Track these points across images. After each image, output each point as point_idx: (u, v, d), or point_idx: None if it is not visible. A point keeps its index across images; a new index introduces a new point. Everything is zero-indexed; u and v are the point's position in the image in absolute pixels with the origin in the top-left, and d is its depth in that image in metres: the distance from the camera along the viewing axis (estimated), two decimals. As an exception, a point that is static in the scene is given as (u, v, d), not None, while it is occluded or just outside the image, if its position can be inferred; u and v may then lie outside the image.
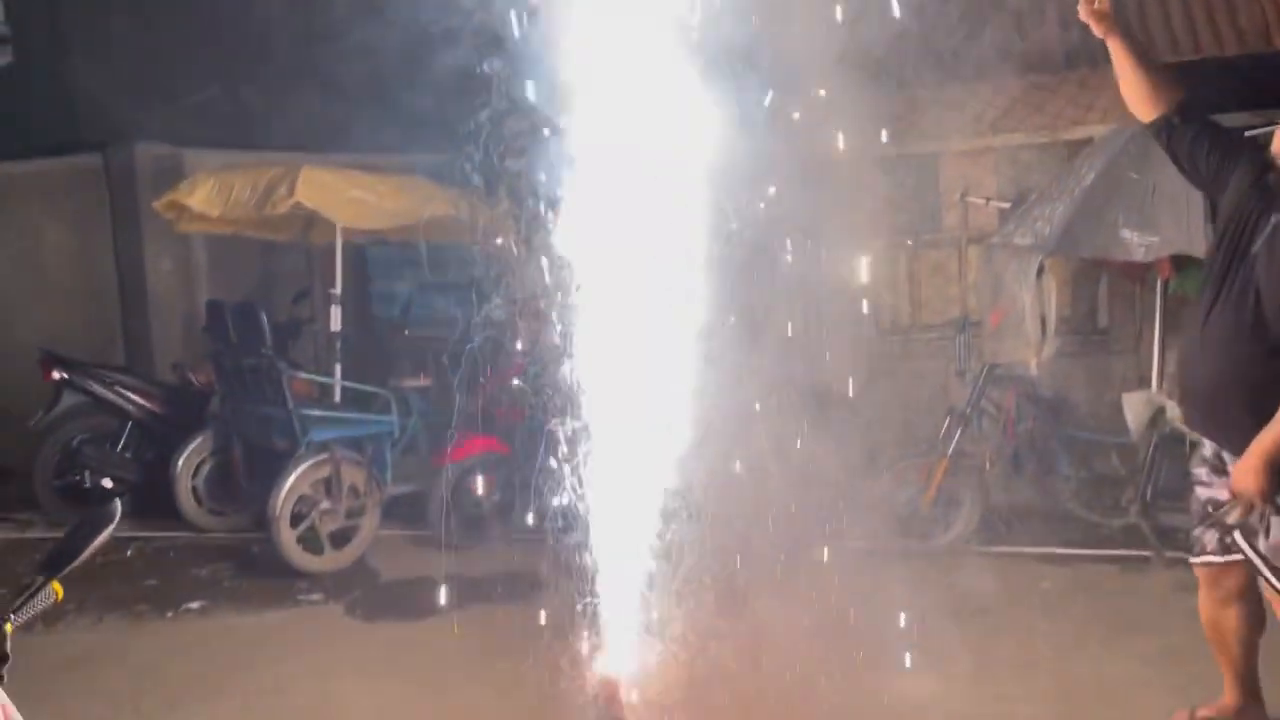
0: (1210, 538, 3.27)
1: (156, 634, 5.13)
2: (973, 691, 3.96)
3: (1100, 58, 6.32)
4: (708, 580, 4.31)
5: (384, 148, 8.05)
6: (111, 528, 1.97)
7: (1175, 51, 6.21)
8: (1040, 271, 5.37)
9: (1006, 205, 6.11)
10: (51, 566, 1.87)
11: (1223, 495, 3.14)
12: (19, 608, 1.81)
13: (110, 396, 6.90)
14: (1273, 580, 3.03)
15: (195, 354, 7.73)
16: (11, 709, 1.65)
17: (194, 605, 5.47)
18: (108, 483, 6.91)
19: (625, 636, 3.64)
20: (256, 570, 5.93)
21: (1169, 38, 6.26)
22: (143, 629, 5.17)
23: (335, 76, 8.65)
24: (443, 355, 7.46)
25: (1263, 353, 2.93)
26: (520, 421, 6.21)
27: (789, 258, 4.56)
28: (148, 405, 7.01)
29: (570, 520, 4.53)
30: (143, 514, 6.92)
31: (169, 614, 5.36)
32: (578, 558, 4.33)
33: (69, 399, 6.89)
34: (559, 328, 5.24)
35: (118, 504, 2.03)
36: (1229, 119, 5.48)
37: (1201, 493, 3.33)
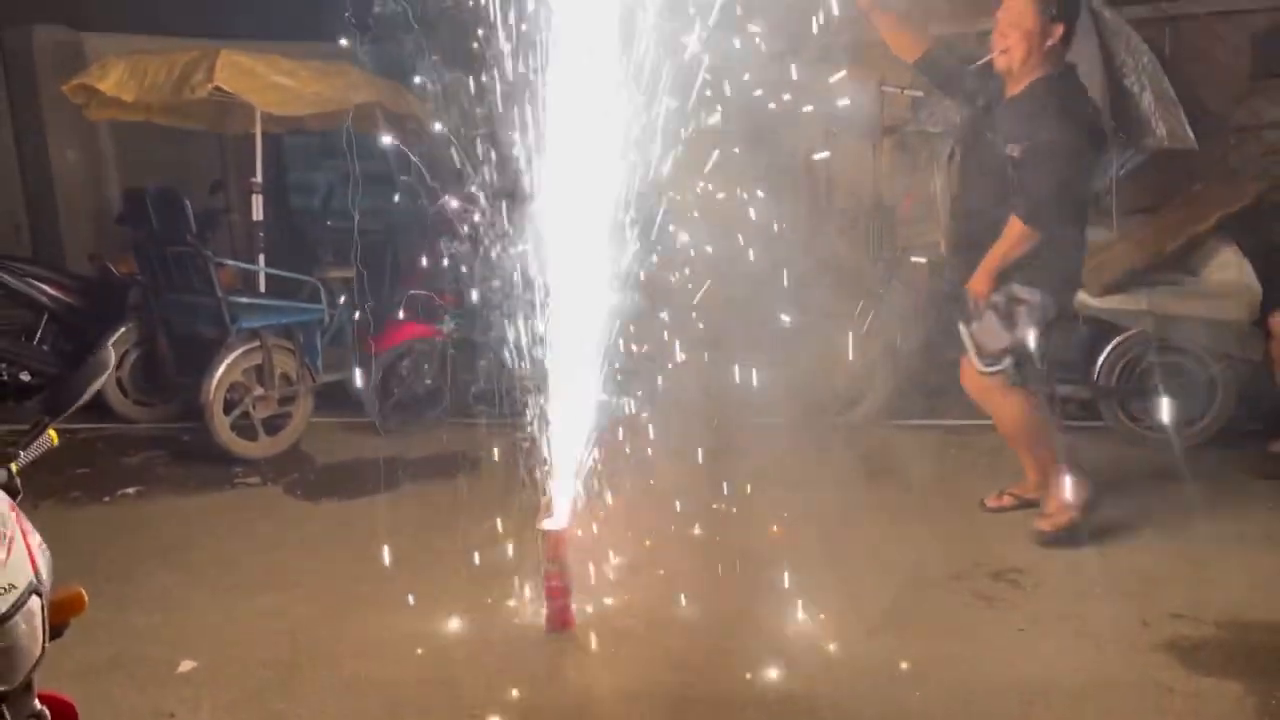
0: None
1: (95, 518, 5.18)
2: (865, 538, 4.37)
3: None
4: (636, 444, 4.61)
5: (298, 34, 7.86)
6: (107, 374, 2.07)
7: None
8: (951, 156, 5.61)
9: (920, 94, 6.31)
10: (49, 411, 1.97)
11: None
12: (22, 449, 1.93)
13: (23, 288, 6.74)
14: (973, 354, 4.35)
15: (109, 244, 7.57)
16: (34, 535, 1.77)
17: (130, 491, 5.53)
18: (25, 376, 6.82)
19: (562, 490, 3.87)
20: (190, 457, 5.98)
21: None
22: (80, 514, 5.21)
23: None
24: (368, 245, 7.49)
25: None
26: (451, 306, 6.32)
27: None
28: (63, 297, 6.87)
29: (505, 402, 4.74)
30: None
31: (105, 499, 5.41)
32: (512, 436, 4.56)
33: (-20, 292, 6.74)
34: (488, 217, 5.37)
35: (110, 351, 2.13)
36: (1128, 11, 5.77)
37: None
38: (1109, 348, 5.38)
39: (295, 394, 6.06)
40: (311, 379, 6.12)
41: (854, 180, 6.87)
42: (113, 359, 2.12)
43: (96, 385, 2.02)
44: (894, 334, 5.86)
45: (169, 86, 6.00)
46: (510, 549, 4.21)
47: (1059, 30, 4.08)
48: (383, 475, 5.45)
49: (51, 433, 2.00)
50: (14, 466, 1.91)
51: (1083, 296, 5.35)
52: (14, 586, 1.64)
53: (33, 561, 1.71)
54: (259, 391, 5.90)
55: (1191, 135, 5.29)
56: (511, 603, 3.96)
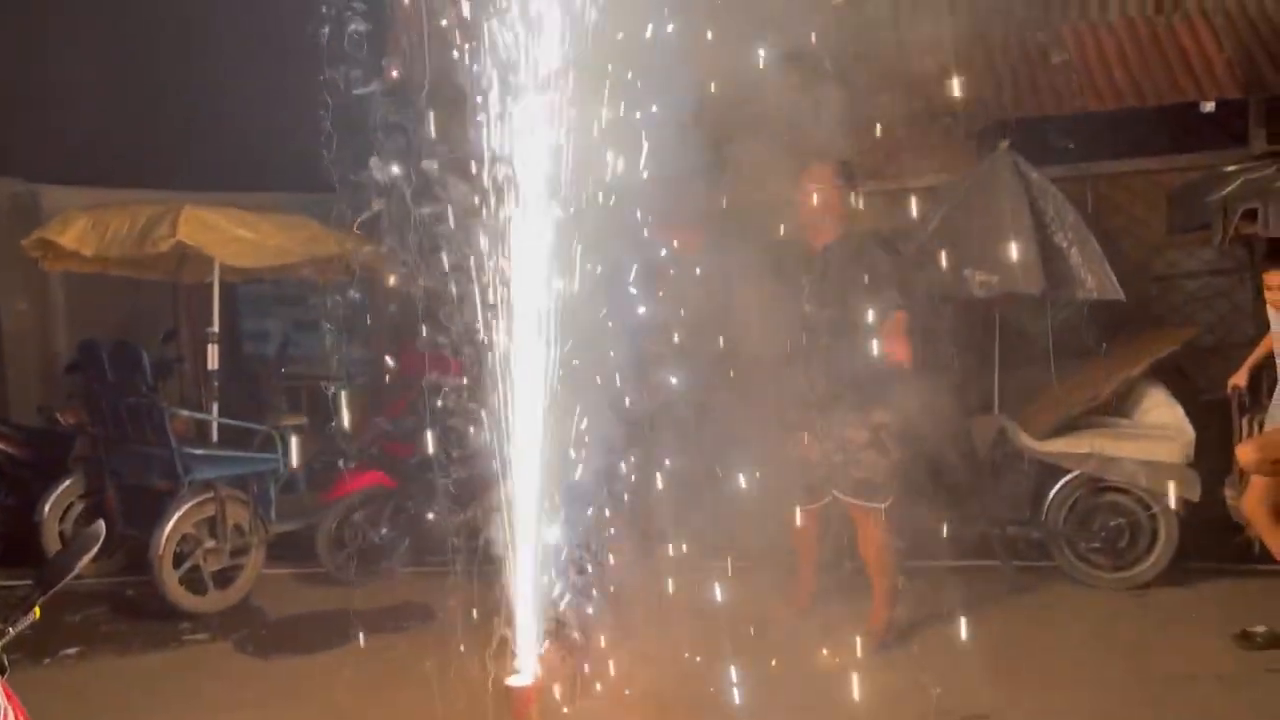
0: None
1: (33, 682, 4.96)
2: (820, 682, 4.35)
3: (939, 115, 6.97)
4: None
5: (253, 186, 8.05)
6: (96, 548, 2.08)
7: (1003, 110, 6.93)
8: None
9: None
10: (39, 587, 1.97)
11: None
12: (11, 626, 1.92)
13: (-34, 440, 6.64)
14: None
15: (56, 394, 7.50)
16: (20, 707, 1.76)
17: (71, 651, 5.33)
18: (-37, 531, 6.65)
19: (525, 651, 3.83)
20: (135, 614, 5.82)
21: (1000, 101, 6.99)
22: (17, 677, 4.97)
23: (203, 114, 8.63)
24: (321, 393, 7.51)
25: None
26: (407, 456, 6.33)
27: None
28: (6, 449, 6.78)
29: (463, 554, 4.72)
30: (5, 562, 6.69)
31: (45, 660, 5.21)
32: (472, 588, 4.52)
33: (-78, 444, 6.61)
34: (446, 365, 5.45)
35: (101, 524, 2.14)
36: (1051, 171, 6.18)
37: None
38: (1055, 489, 5.54)
39: (247, 545, 5.96)
40: (264, 530, 6.04)
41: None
42: (103, 532, 2.12)
43: (87, 559, 2.02)
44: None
45: (130, 240, 6.09)
46: (474, 707, 4.13)
47: None
48: (338, 629, 5.35)
49: (36, 610, 1.99)
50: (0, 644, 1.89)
51: (1026, 439, 5.56)
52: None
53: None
54: (210, 544, 5.80)
55: (1118, 287, 5.61)
56: (476, 763, 3.87)
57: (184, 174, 8.13)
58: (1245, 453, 4.77)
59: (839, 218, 4.75)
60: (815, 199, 4.71)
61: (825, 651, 4.54)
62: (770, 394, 4.89)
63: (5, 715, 1.66)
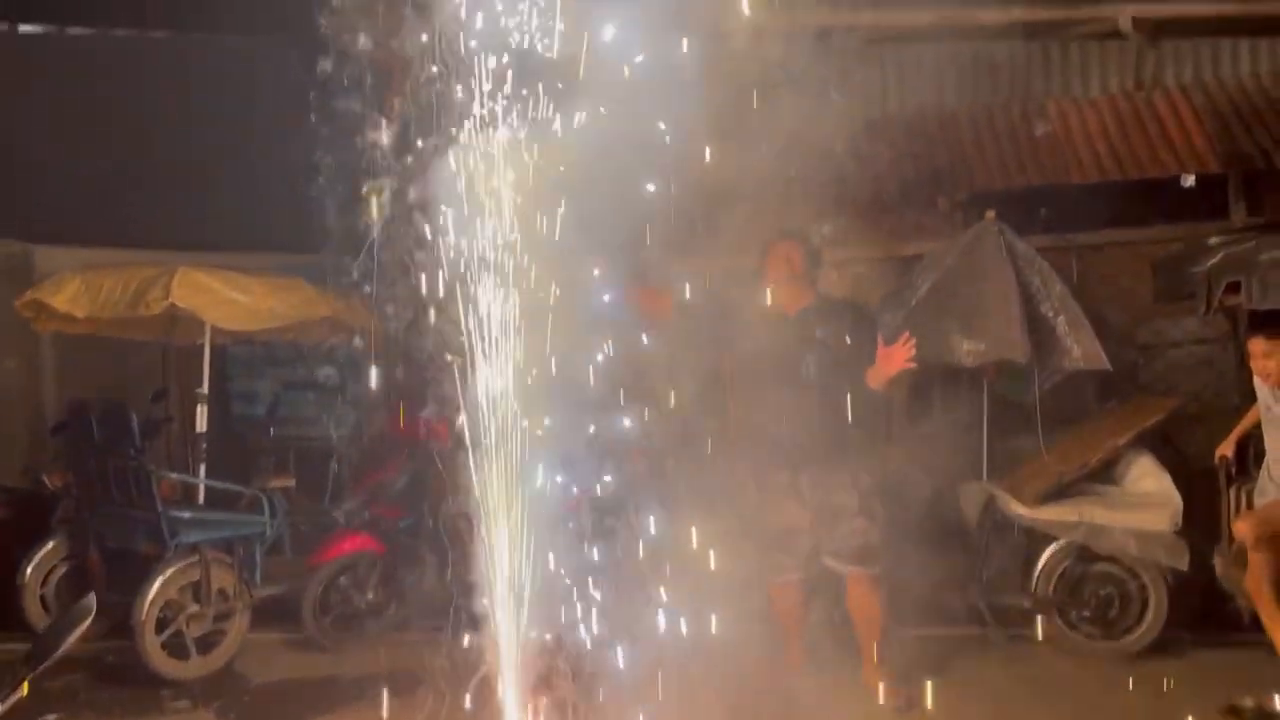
0: None
1: (11, 750, 4.89)
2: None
3: (926, 185, 7.09)
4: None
5: (247, 246, 8.10)
6: (87, 623, 2.07)
7: (989, 182, 7.06)
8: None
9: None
10: (29, 661, 1.96)
11: None
12: (1, 701, 1.90)
13: (-53, 501, 6.58)
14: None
15: (42, 455, 7.45)
16: None
17: (50, 718, 5.24)
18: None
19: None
20: (116, 680, 5.72)
21: (986, 172, 7.13)
22: (-6, 746, 4.92)
23: (196, 174, 8.70)
24: (309, 454, 7.49)
25: None
26: (395, 519, 6.30)
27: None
28: (-10, 510, 6.72)
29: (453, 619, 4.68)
30: (-16, 625, 6.60)
31: (23, 729, 5.12)
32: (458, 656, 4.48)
33: (-98, 504, 6.54)
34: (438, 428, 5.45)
35: (93, 598, 2.13)
36: (1036, 240, 6.28)
37: None
38: (1044, 557, 5.54)
39: (231, 610, 5.88)
40: (249, 594, 5.97)
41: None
42: (94, 607, 2.11)
43: (76, 635, 2.01)
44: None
45: (124, 302, 6.10)
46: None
47: None
48: (323, 695, 5.28)
49: (24, 685, 1.97)
50: (-14, 720, 1.88)
51: (1016, 507, 5.58)
52: None
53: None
54: (194, 609, 5.72)
55: (1105, 357, 5.67)
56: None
57: (177, 233, 8.19)
58: (1242, 528, 4.80)
59: (809, 284, 4.91)
60: (784, 269, 4.86)
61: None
62: (752, 460, 4.93)
63: None
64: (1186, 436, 6.26)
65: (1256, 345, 4.99)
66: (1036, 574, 5.53)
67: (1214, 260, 5.32)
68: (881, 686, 4.82)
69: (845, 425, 4.69)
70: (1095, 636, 5.47)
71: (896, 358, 4.64)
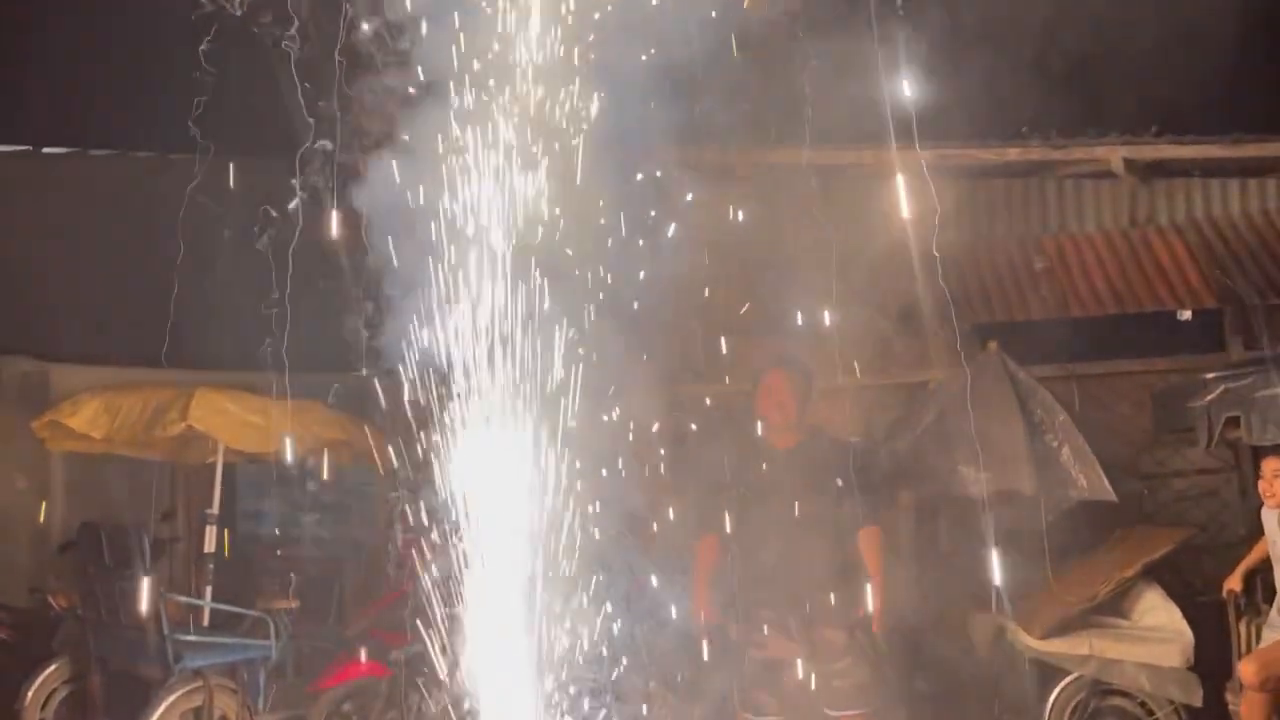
0: None
1: None
2: None
3: (928, 315, 7.27)
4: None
5: (261, 366, 8.18)
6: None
7: (990, 314, 7.24)
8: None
9: (856, 439, 6.77)
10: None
11: None
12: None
13: (-50, 621, 6.55)
14: None
15: (48, 576, 7.42)
16: None
17: None
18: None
19: None
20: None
21: (987, 304, 7.31)
22: None
23: (215, 293, 8.86)
24: (315, 576, 7.46)
25: None
26: (400, 645, 6.24)
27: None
28: (-8, 631, 6.68)
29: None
30: (-22, 750, 6.48)
31: None
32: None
33: (-96, 625, 6.51)
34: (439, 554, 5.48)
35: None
36: (1037, 370, 6.40)
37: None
38: (1057, 691, 5.49)
39: (234, 738, 5.80)
40: (251, 720, 5.90)
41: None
42: None
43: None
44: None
45: (140, 423, 6.21)
46: None
47: None
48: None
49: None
50: None
51: (1026, 639, 5.55)
52: None
53: None
54: (196, 736, 5.65)
55: (1110, 488, 5.73)
56: None
57: (192, 352, 8.29)
58: (1247, 670, 4.80)
59: (799, 420, 4.89)
60: (773, 402, 4.85)
61: None
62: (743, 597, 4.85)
63: None
64: (1193, 567, 6.27)
65: (1269, 464, 5.06)
66: (1049, 707, 5.47)
67: (1213, 395, 5.43)
68: None
69: (834, 564, 4.66)
70: (1113, 773, 5.38)
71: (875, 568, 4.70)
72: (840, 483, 4.68)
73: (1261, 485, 5.11)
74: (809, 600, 4.68)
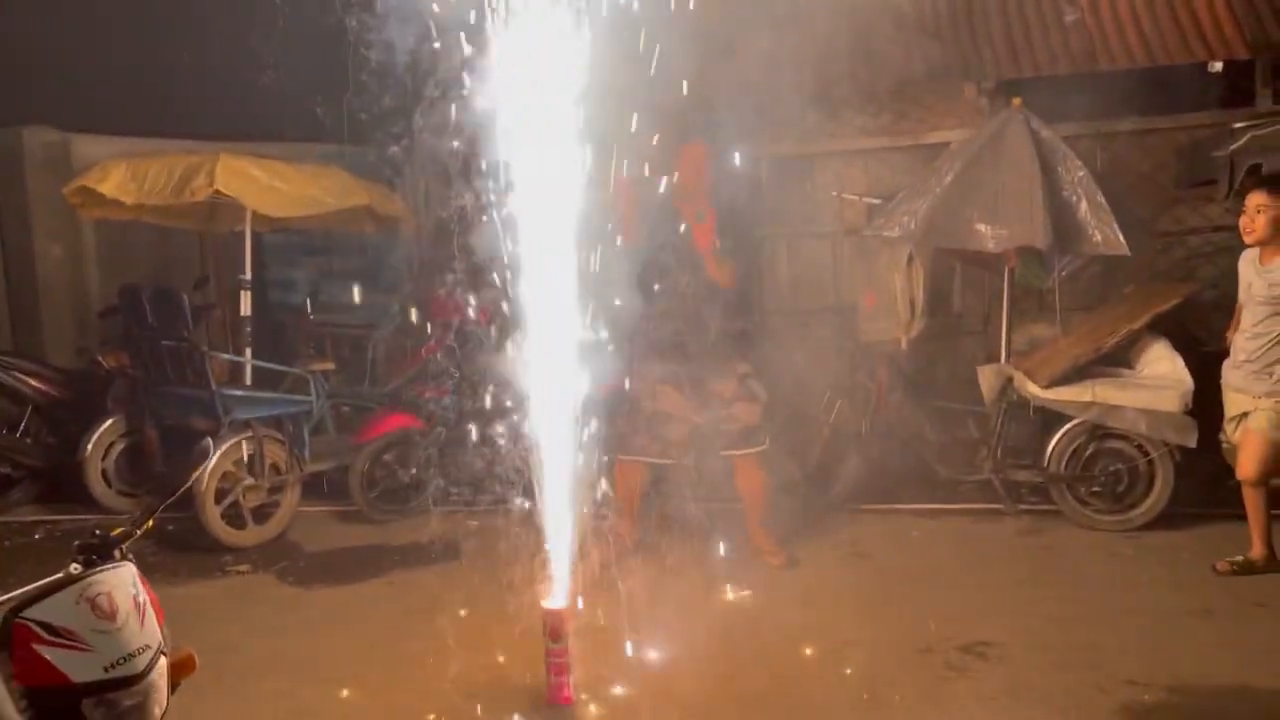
0: None
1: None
2: (847, 617, 4.66)
3: (954, 73, 7.13)
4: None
5: (285, 135, 8.19)
6: (208, 462, 2.33)
7: (1017, 70, 7.08)
8: (910, 260, 6.07)
9: (876, 201, 6.83)
10: (156, 495, 2.22)
11: None
12: (137, 527, 2.17)
13: (9, 382, 6.89)
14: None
15: (90, 338, 7.74)
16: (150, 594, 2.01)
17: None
18: (7, 469, 6.93)
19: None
20: (179, 547, 6.10)
21: (1014, 59, 7.13)
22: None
23: (229, 62, 8.75)
24: (347, 340, 7.75)
25: None
26: (437, 398, 6.58)
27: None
28: (48, 390, 7.03)
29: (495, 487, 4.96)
30: (47, 498, 6.99)
31: (97, 588, 5.50)
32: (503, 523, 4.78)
33: (-35, 385, 6.85)
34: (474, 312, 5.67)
35: (209, 441, 2.38)
36: (1063, 128, 6.34)
37: None
38: (1057, 436, 5.78)
39: (284, 483, 6.22)
40: (300, 468, 6.30)
41: (815, 279, 7.35)
42: (211, 448, 2.36)
43: (198, 474, 2.27)
44: (858, 423, 6.23)
45: (169, 190, 6.28)
46: (511, 629, 4.42)
47: None
48: (372, 562, 5.66)
49: (149, 523, 2.24)
50: (124, 546, 2.15)
51: (1032, 388, 5.80)
52: (149, 647, 1.88)
53: (160, 624, 1.95)
54: (249, 481, 6.06)
55: (1124, 242, 5.80)
56: (514, 679, 4.16)
57: (211, 122, 8.30)
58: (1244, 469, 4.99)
59: (708, 192, 5.15)
60: (691, 174, 5.09)
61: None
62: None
63: (144, 605, 1.92)
64: (1204, 321, 6.43)
65: (1253, 199, 4.83)
66: (1049, 450, 5.78)
67: (1237, 144, 5.41)
68: (766, 548, 5.34)
69: (722, 321, 5.08)
70: (1103, 511, 5.73)
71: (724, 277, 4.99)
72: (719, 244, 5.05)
73: (1243, 220, 4.89)
74: (699, 358, 5.12)
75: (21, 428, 6.98)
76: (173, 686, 2.00)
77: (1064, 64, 7.02)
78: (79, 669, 1.81)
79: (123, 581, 1.95)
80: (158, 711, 1.90)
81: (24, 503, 6.97)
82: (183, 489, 2.24)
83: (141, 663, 1.85)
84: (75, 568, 1.98)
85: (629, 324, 4.90)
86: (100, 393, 6.96)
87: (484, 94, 4.00)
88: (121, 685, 1.82)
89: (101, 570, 1.96)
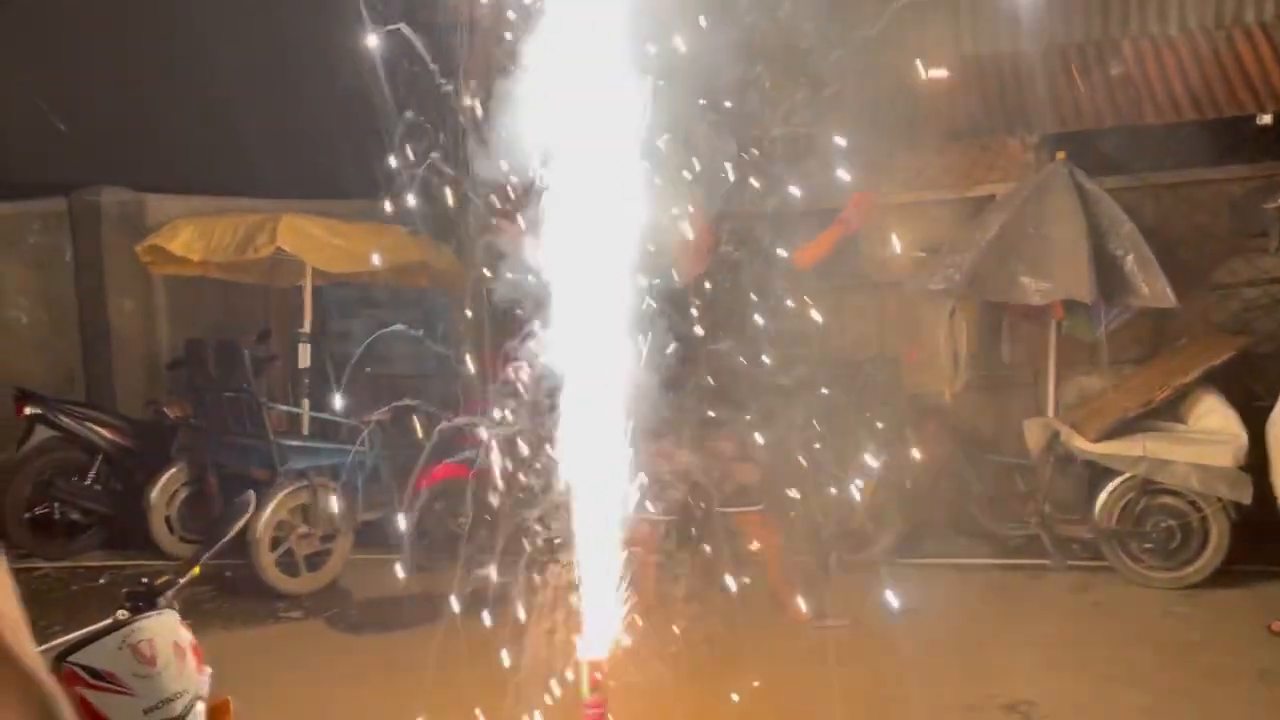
0: None
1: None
2: (889, 674, 4.62)
3: (998, 128, 7.15)
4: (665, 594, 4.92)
5: (347, 193, 8.50)
6: (248, 514, 2.45)
7: (1062, 124, 7.10)
8: (952, 313, 6.09)
9: (922, 254, 6.85)
10: (204, 547, 2.35)
11: None
12: (180, 578, 2.29)
13: (81, 431, 7.17)
14: None
15: (164, 390, 8.02)
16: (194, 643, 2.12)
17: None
18: (76, 515, 7.19)
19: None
20: (235, 592, 6.27)
21: (1058, 114, 7.16)
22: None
23: (295, 124, 9.14)
24: (402, 391, 7.92)
25: None
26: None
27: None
28: (117, 439, 7.29)
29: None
30: (113, 545, 7.23)
31: (157, 633, 5.67)
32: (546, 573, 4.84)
33: (40, 434, 7.14)
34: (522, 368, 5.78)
35: (251, 495, 2.50)
36: (1110, 181, 6.34)
37: None
38: (1107, 490, 5.70)
39: (337, 531, 6.38)
40: (353, 517, 6.46)
41: (860, 331, 7.37)
42: (253, 500, 2.48)
43: (240, 524, 2.39)
44: (902, 477, 6.20)
45: (233, 247, 6.56)
46: (552, 679, 4.47)
47: None
48: (422, 610, 5.76)
49: (195, 569, 2.36)
50: (169, 594, 2.26)
51: (1079, 441, 5.75)
52: (187, 692, 1.99)
53: (200, 670, 2.06)
54: (304, 529, 6.23)
55: (1172, 295, 5.76)
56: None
57: (275, 182, 8.64)
58: None
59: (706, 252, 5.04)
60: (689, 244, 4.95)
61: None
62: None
63: (186, 650, 2.03)
64: (1258, 376, 6.33)
65: None
66: (1099, 505, 5.70)
67: (1285, 198, 5.36)
68: (787, 604, 5.23)
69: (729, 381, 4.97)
70: (1156, 567, 5.63)
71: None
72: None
73: None
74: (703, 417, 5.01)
75: (91, 476, 7.25)
76: (210, 731, 2.10)
77: (1110, 117, 7.01)
78: (119, 712, 1.91)
79: (165, 628, 2.07)
80: (195, 753, 2.00)
81: (91, 548, 7.22)
82: (223, 541, 2.36)
83: (179, 706, 1.96)
84: (122, 614, 2.10)
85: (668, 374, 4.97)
86: (165, 442, 7.21)
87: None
88: (160, 727, 1.92)
89: (145, 617, 2.08)
